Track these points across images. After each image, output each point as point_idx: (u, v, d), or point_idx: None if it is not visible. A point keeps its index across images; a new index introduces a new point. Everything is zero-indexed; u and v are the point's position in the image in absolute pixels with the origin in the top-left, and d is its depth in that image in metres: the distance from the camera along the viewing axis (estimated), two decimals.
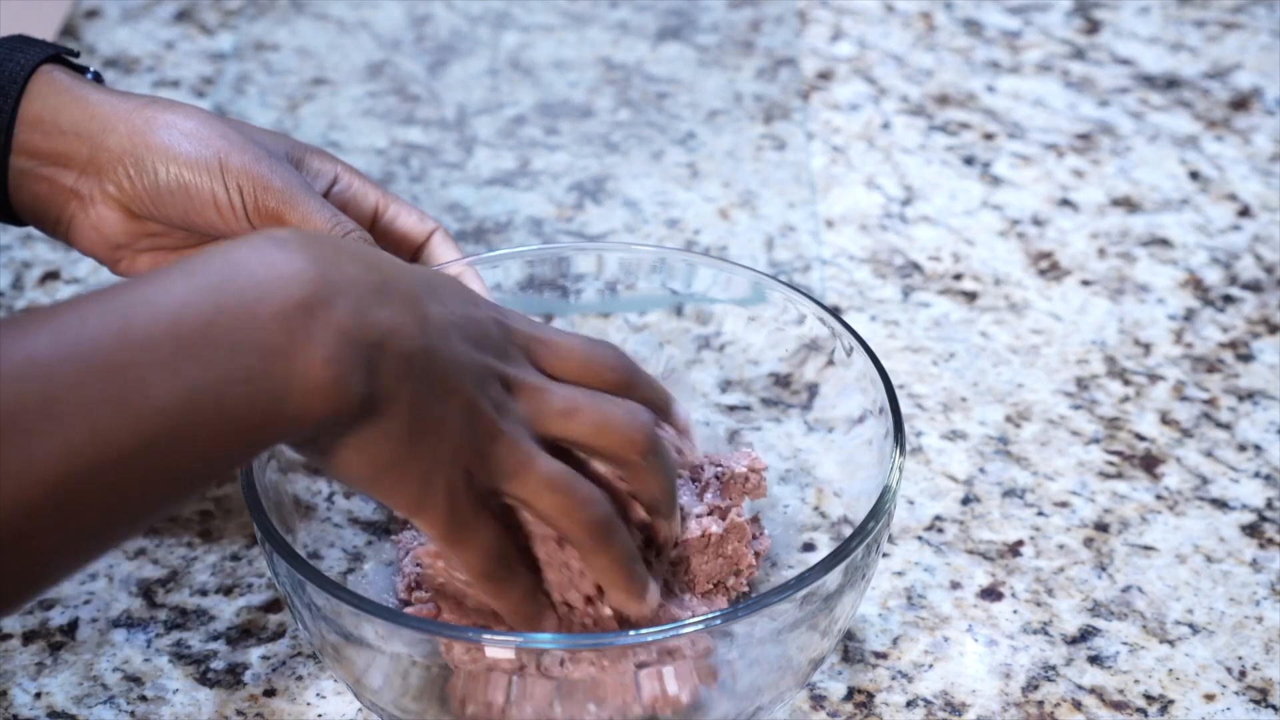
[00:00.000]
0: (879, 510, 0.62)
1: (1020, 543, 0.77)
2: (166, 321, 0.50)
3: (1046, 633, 0.73)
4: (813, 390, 0.76)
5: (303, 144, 0.73)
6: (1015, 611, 0.74)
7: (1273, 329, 0.89)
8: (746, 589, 0.69)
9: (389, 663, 0.60)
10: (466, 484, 0.57)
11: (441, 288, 0.58)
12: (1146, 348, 0.88)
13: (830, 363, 0.73)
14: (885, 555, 0.76)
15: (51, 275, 0.93)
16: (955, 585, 0.75)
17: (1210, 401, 0.85)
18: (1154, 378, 0.86)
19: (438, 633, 0.59)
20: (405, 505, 0.57)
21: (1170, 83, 1.09)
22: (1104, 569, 0.76)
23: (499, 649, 0.58)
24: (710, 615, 0.59)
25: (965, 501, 0.79)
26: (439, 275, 0.60)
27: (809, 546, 0.74)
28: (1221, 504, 0.79)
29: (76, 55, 0.73)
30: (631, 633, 0.60)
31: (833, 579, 0.61)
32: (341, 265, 0.54)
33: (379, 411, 0.54)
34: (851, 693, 0.70)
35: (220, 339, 0.50)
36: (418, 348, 0.55)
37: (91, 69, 0.73)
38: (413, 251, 0.74)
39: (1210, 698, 0.70)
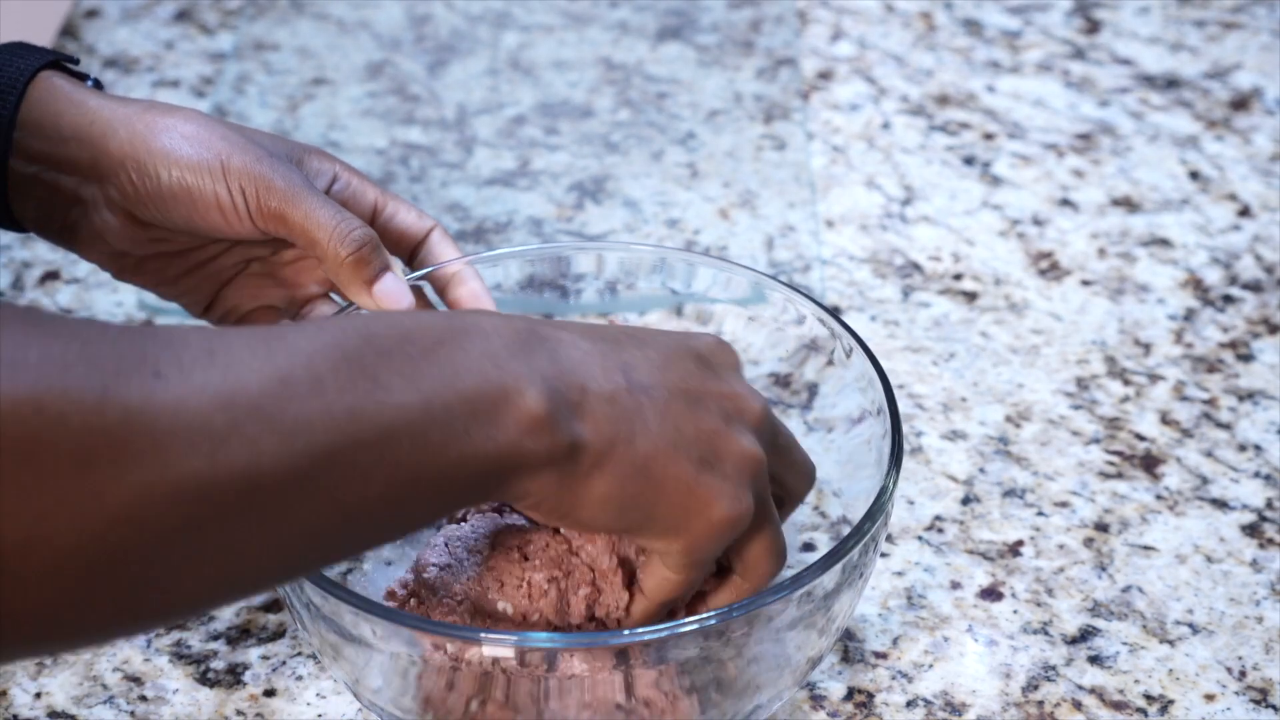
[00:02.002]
0: (875, 511, 0.62)
1: (1020, 543, 0.77)
2: (398, 335, 0.53)
3: (1046, 633, 0.73)
4: (812, 390, 0.76)
5: (301, 144, 0.73)
6: (1015, 611, 0.74)
7: (1273, 329, 0.89)
8: None
9: (388, 662, 0.60)
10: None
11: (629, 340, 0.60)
12: (1146, 348, 0.88)
13: (830, 363, 0.73)
14: (885, 555, 0.76)
15: (51, 275, 0.93)
16: (955, 585, 0.75)
17: (1210, 401, 0.85)
18: (1154, 378, 0.86)
19: (436, 632, 0.59)
20: (659, 531, 0.59)
21: (1170, 83, 1.09)
22: (1104, 569, 0.76)
23: (497, 648, 0.58)
24: (709, 615, 0.59)
25: (965, 501, 0.79)
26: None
27: (808, 546, 0.74)
28: (1221, 504, 0.79)
29: (76, 62, 0.73)
30: (627, 632, 0.60)
31: (829, 579, 0.61)
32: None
33: (598, 454, 0.56)
34: (851, 693, 0.70)
35: (446, 359, 0.53)
36: (619, 386, 0.57)
37: (91, 76, 0.73)
38: (411, 249, 0.74)
39: (1210, 698, 0.70)
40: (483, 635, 0.59)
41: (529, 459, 0.54)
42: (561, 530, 0.64)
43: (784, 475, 0.63)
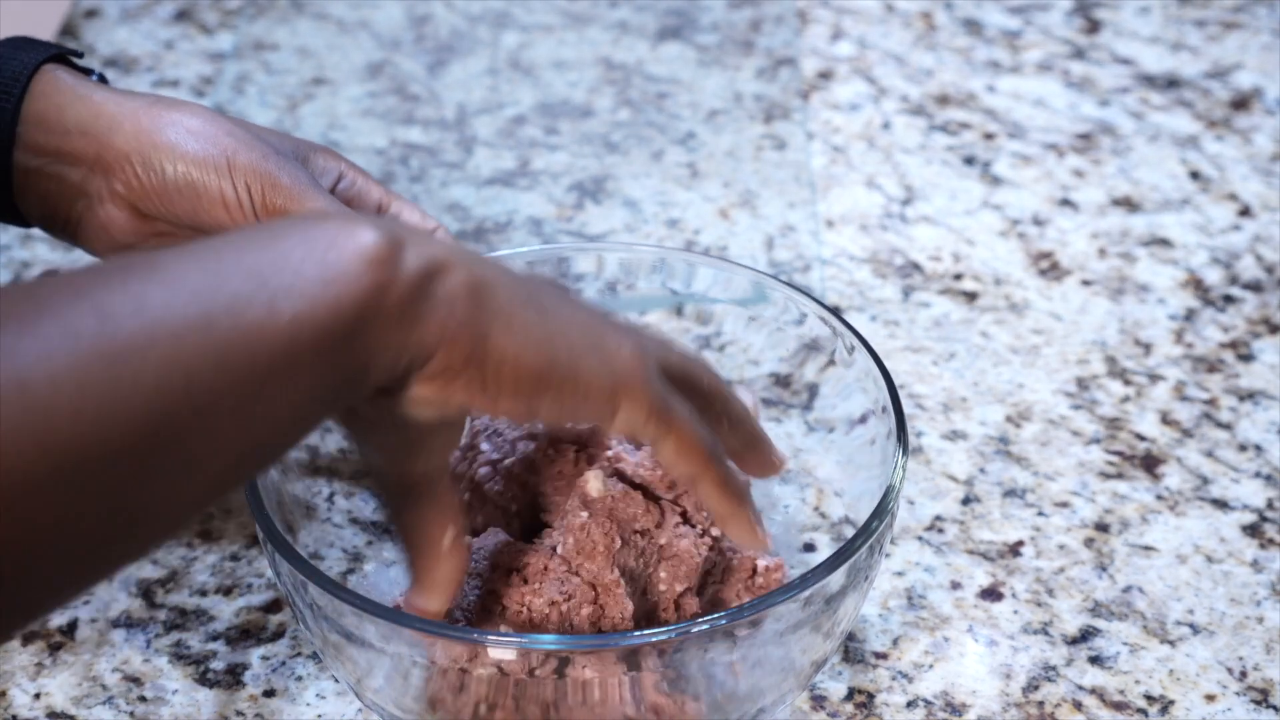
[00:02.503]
0: (883, 509, 0.62)
1: (1020, 543, 0.77)
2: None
3: (1047, 633, 0.73)
4: (813, 390, 0.76)
5: (307, 142, 0.73)
6: (1015, 612, 0.74)
7: (1273, 329, 0.89)
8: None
9: (390, 663, 0.60)
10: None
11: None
12: (1147, 348, 0.88)
13: (831, 362, 0.73)
14: (886, 556, 0.76)
15: (51, 275, 0.93)
16: (955, 585, 0.75)
17: (1211, 401, 0.85)
18: (1154, 378, 0.86)
19: (439, 633, 0.59)
20: (600, 385, 0.54)
21: (1170, 83, 1.09)
22: (1104, 569, 0.76)
23: (501, 650, 0.58)
24: (713, 616, 0.59)
25: (965, 501, 0.79)
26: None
27: (809, 547, 0.74)
28: (1222, 504, 0.79)
29: (80, 56, 0.73)
30: (635, 634, 0.60)
31: (836, 580, 0.61)
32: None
33: (472, 275, 0.51)
34: (852, 693, 0.70)
35: (266, 240, 0.49)
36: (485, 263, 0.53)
37: (96, 70, 0.73)
38: None
39: (1211, 698, 0.70)
40: (488, 638, 0.59)
41: (383, 296, 0.49)
42: (559, 550, 0.63)
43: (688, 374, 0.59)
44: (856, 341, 0.70)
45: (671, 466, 0.58)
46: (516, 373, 0.53)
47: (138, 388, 0.44)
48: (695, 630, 0.58)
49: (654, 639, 0.58)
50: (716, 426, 0.60)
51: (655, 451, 0.57)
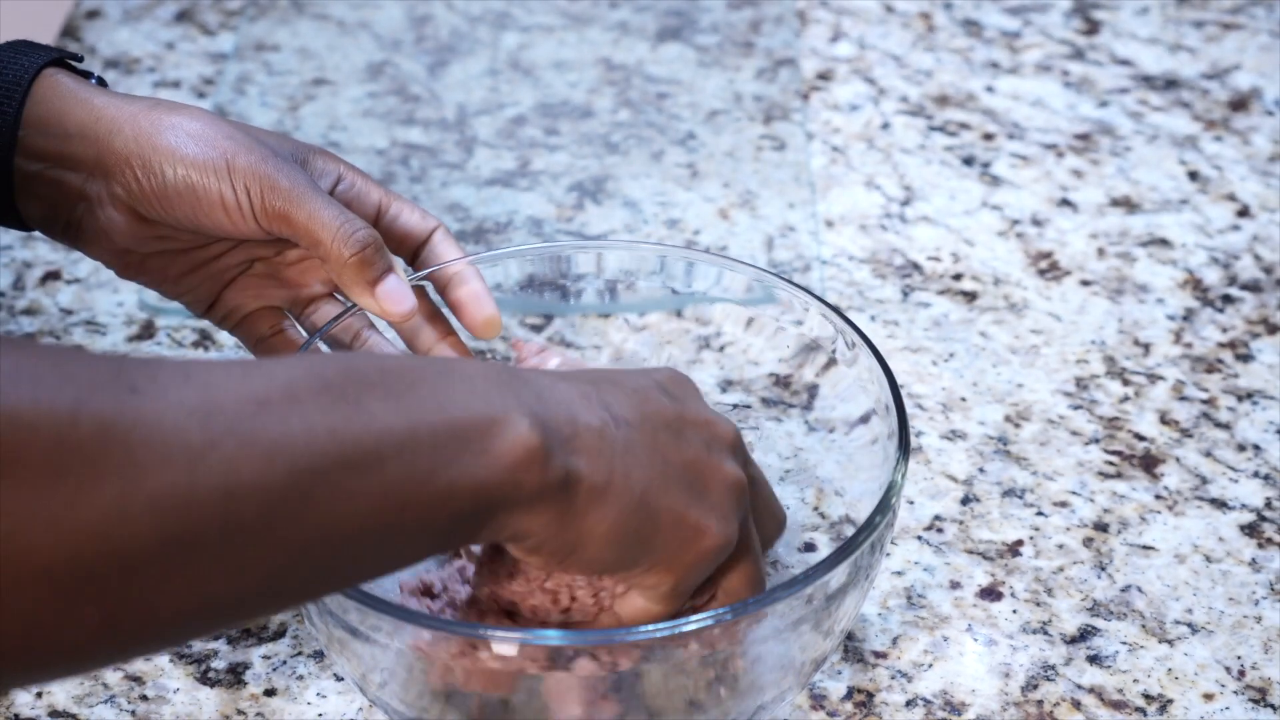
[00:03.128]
0: (885, 505, 0.63)
1: (1020, 542, 0.77)
2: (379, 369, 0.53)
3: (1046, 632, 0.73)
4: (813, 390, 0.76)
5: (306, 144, 0.73)
6: (1015, 611, 0.74)
7: (1272, 329, 0.89)
8: None
9: (394, 658, 0.61)
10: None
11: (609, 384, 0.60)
12: (1146, 348, 0.88)
13: (832, 362, 0.73)
14: (886, 555, 0.76)
15: (53, 275, 0.93)
16: (955, 585, 0.75)
17: (1209, 401, 0.85)
18: (1153, 378, 0.86)
19: (443, 629, 0.59)
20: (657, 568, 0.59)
21: (1169, 83, 1.09)
22: (1103, 569, 0.76)
23: (504, 645, 0.58)
24: (714, 613, 0.59)
25: (965, 501, 0.79)
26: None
27: (809, 547, 0.74)
28: (1221, 504, 0.79)
29: (80, 59, 0.73)
30: (633, 630, 0.60)
31: (837, 576, 0.61)
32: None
33: (596, 487, 0.56)
34: (851, 692, 0.70)
35: (429, 390, 0.53)
36: (606, 420, 0.57)
37: (95, 74, 0.73)
38: (415, 249, 0.74)
39: (1209, 697, 0.70)
40: (489, 633, 0.59)
41: (523, 491, 0.53)
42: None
43: (757, 510, 0.63)
44: (858, 339, 0.70)
45: (733, 597, 0.63)
46: (590, 566, 0.58)
47: (312, 513, 0.49)
48: (695, 627, 0.58)
49: (654, 636, 0.59)
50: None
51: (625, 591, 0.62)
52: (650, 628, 0.59)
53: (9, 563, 0.43)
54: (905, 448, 0.65)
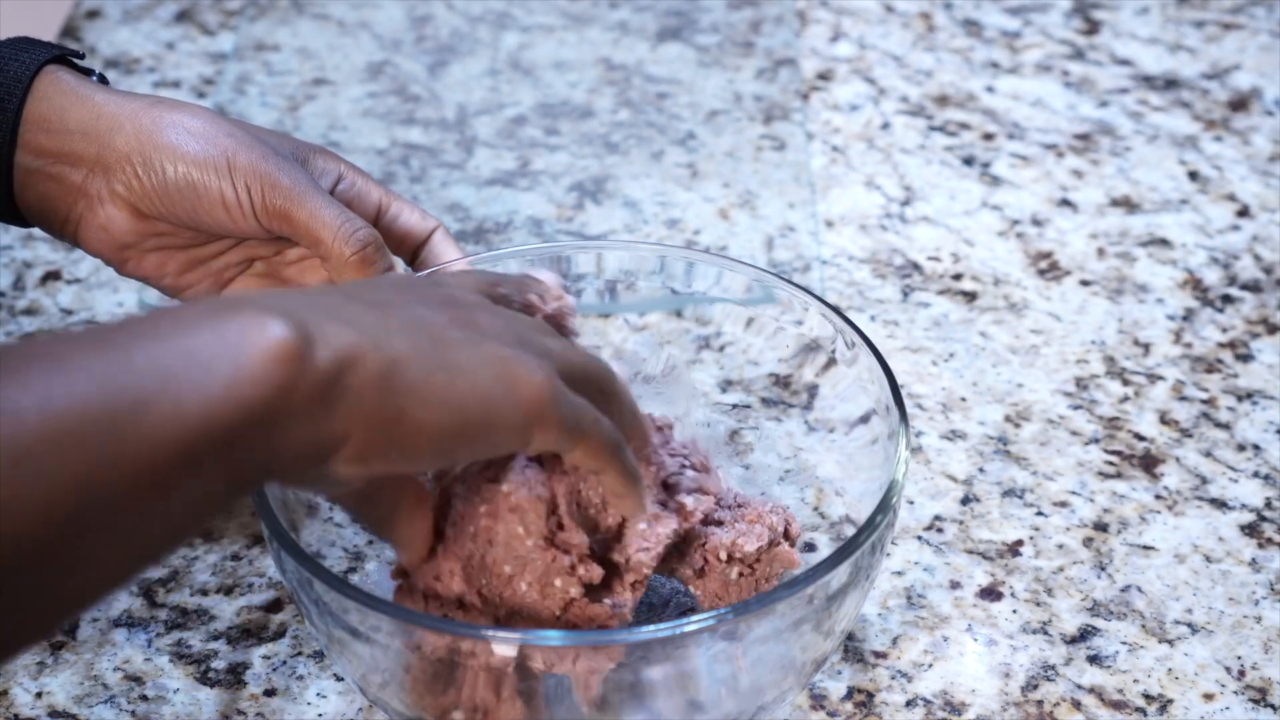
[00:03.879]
0: (886, 504, 0.63)
1: (1020, 542, 0.77)
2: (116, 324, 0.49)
3: (1046, 632, 0.73)
4: (813, 390, 0.76)
5: (307, 143, 0.73)
6: (1015, 611, 0.74)
7: (1272, 329, 0.90)
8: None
9: (394, 658, 0.61)
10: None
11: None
12: (1146, 348, 0.88)
13: (831, 362, 0.73)
14: (886, 555, 0.76)
15: (53, 275, 0.93)
16: (955, 585, 0.75)
17: (1209, 401, 0.85)
18: (1153, 378, 0.86)
19: (442, 629, 0.59)
20: (519, 417, 0.54)
21: (1169, 83, 1.09)
22: (1103, 569, 0.76)
23: (504, 646, 0.58)
24: (715, 613, 0.59)
25: (965, 501, 0.79)
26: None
27: (809, 547, 0.74)
28: (1221, 504, 0.79)
29: (82, 57, 0.73)
30: (633, 630, 0.60)
31: (838, 576, 0.61)
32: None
33: (382, 360, 0.51)
34: (851, 692, 0.70)
35: (165, 330, 0.48)
36: (360, 300, 0.53)
37: (97, 71, 0.73)
38: (414, 249, 0.74)
39: (1209, 697, 0.70)
40: (489, 634, 0.59)
41: (299, 392, 0.48)
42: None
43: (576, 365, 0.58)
44: (858, 339, 0.70)
45: (580, 465, 0.59)
46: (433, 440, 0.53)
47: (39, 486, 0.44)
48: (694, 627, 0.58)
49: (656, 635, 0.59)
50: (614, 419, 0.60)
51: (565, 457, 0.58)
52: (650, 628, 0.59)
53: None
54: (906, 445, 0.65)
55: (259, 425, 0.48)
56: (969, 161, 1.02)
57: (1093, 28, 1.15)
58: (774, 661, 0.62)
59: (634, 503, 0.62)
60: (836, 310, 0.72)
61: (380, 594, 0.69)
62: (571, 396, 0.56)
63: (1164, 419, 0.84)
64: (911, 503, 0.79)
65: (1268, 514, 0.79)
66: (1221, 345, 0.89)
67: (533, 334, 0.57)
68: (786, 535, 0.68)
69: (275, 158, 0.70)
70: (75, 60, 0.73)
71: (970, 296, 0.92)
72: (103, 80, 0.73)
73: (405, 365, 0.52)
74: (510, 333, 0.56)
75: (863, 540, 0.61)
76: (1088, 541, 0.77)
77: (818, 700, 0.70)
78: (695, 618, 0.59)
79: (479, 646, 0.58)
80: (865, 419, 0.71)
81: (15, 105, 0.69)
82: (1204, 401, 0.85)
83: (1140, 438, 0.83)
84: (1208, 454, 0.82)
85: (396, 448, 0.52)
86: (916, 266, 0.94)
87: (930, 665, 0.72)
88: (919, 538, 0.77)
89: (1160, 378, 0.86)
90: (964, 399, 0.85)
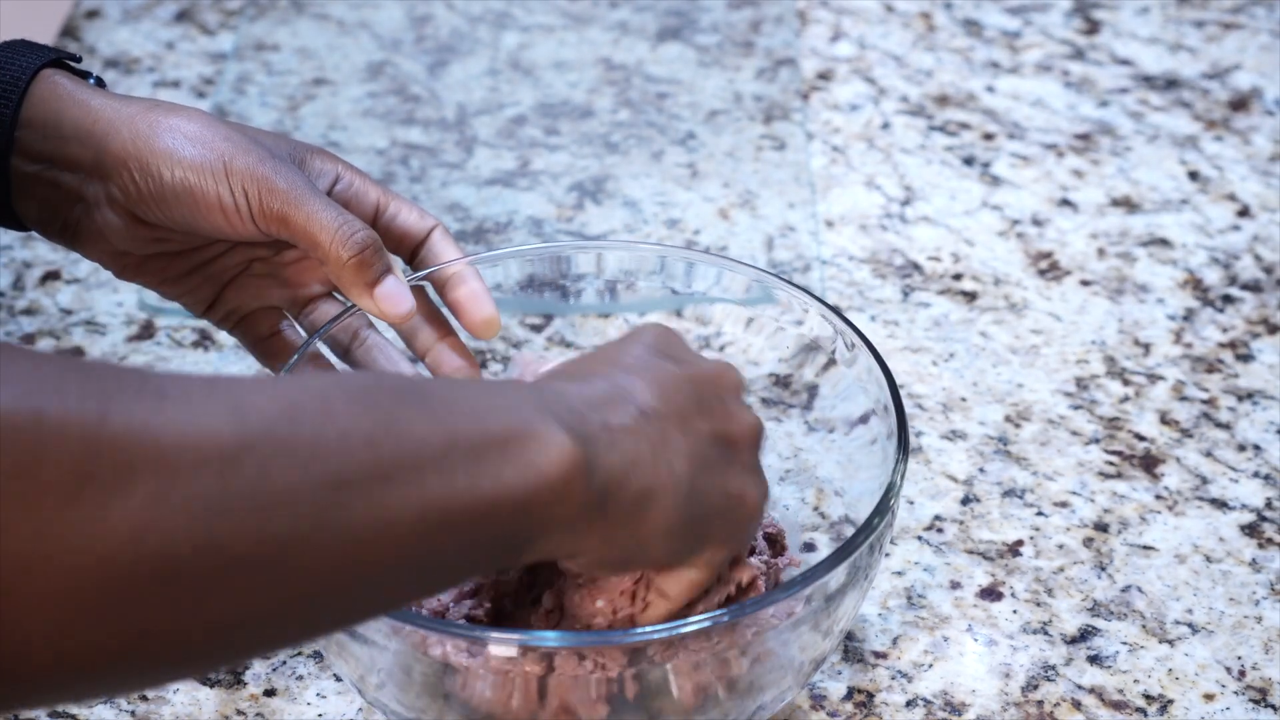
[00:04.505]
0: (884, 506, 0.62)
1: (1020, 543, 0.77)
2: (409, 382, 0.54)
3: (1046, 632, 0.73)
4: (813, 390, 0.76)
5: (304, 144, 0.73)
6: (1015, 611, 0.74)
7: (1272, 329, 0.89)
8: None
9: (392, 659, 0.60)
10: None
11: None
12: (1146, 348, 0.88)
13: (831, 362, 0.73)
14: (886, 555, 0.76)
15: (52, 275, 0.93)
16: (955, 585, 0.75)
17: (1210, 401, 0.85)
18: (1153, 378, 0.86)
19: (442, 630, 0.59)
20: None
21: (1170, 83, 1.09)
22: (1104, 569, 0.76)
23: (503, 647, 0.58)
24: (712, 614, 0.59)
25: (965, 501, 0.79)
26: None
27: (809, 546, 0.74)
28: (1221, 504, 0.79)
29: (79, 60, 0.73)
30: (635, 631, 0.60)
31: (836, 577, 0.61)
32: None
33: (643, 487, 0.55)
34: (851, 692, 0.70)
35: (463, 401, 0.52)
36: (634, 415, 0.56)
37: (94, 75, 0.73)
38: (413, 248, 0.74)
39: (1210, 697, 0.70)
40: (489, 635, 0.59)
41: (568, 506, 0.52)
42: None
43: None
44: (857, 339, 0.70)
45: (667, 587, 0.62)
46: (661, 560, 0.59)
47: (346, 522, 0.47)
48: (692, 629, 0.58)
49: (653, 637, 0.59)
50: None
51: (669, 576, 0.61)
52: (649, 629, 0.59)
53: (36, 571, 0.41)
54: (904, 449, 0.65)
55: (528, 522, 0.52)
56: (969, 161, 1.02)
57: (1093, 28, 1.15)
58: (773, 661, 0.62)
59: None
60: (836, 311, 0.72)
61: None
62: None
63: (1164, 419, 0.84)
64: (911, 503, 0.79)
65: (1268, 514, 0.79)
66: (1222, 345, 0.88)
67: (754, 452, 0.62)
68: (776, 546, 0.69)
69: (272, 160, 0.69)
70: (72, 63, 0.73)
71: (970, 296, 0.92)
72: (100, 83, 0.73)
73: (659, 499, 0.56)
74: (749, 455, 0.60)
75: (860, 543, 0.61)
76: (1088, 542, 0.77)
77: (818, 700, 0.70)
78: (694, 619, 0.59)
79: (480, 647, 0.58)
80: (865, 419, 0.71)
81: (12, 109, 0.69)
82: (1204, 402, 0.85)
83: (1140, 438, 0.83)
84: (1208, 454, 0.82)
85: (627, 562, 0.58)
86: (916, 266, 0.94)
87: (930, 665, 0.71)
88: (919, 538, 0.77)
89: (1160, 378, 0.86)
90: (964, 399, 0.85)
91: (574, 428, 0.53)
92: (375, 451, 0.47)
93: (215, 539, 0.44)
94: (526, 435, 0.51)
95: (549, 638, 0.59)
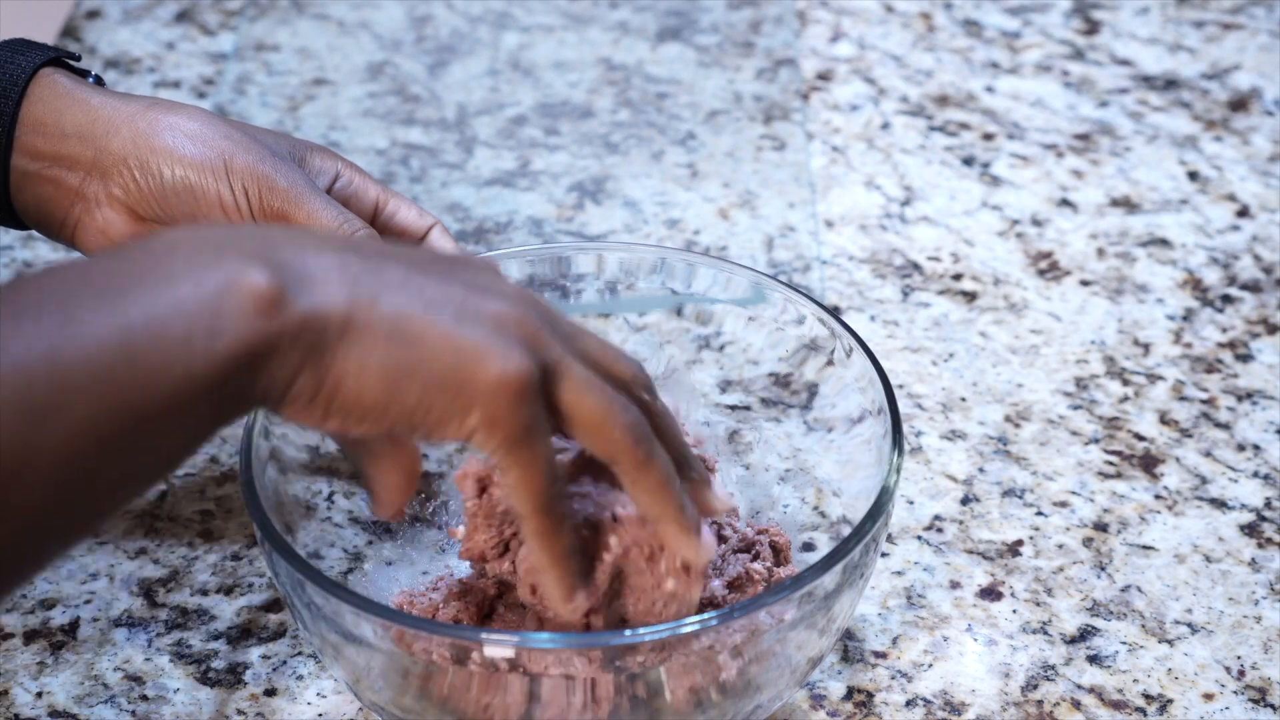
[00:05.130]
0: (877, 511, 0.63)
1: (1020, 542, 0.77)
2: (104, 264, 0.52)
3: (1046, 632, 0.73)
4: (812, 390, 0.76)
5: (304, 142, 0.73)
6: (1015, 611, 0.74)
7: (1271, 329, 0.89)
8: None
9: (388, 662, 0.60)
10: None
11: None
12: (1146, 348, 0.88)
13: (830, 362, 0.73)
14: (885, 555, 0.76)
15: None
16: (955, 585, 0.75)
17: (1209, 401, 0.85)
18: (1153, 378, 0.86)
19: (436, 631, 0.59)
20: (450, 410, 0.54)
21: (1169, 83, 1.09)
22: (1103, 569, 0.76)
23: (497, 648, 0.58)
24: (709, 615, 0.59)
25: (965, 501, 0.79)
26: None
27: (808, 546, 0.74)
28: (1220, 504, 0.79)
29: (78, 59, 0.73)
30: (628, 632, 0.60)
31: (830, 579, 0.61)
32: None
33: (342, 318, 0.52)
34: (851, 692, 0.70)
35: (154, 272, 0.51)
36: (351, 253, 0.54)
37: (93, 73, 0.73)
38: None
39: (1209, 697, 0.70)
40: (483, 636, 0.59)
41: (265, 342, 0.51)
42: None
43: (576, 351, 0.57)
44: (854, 342, 0.70)
45: (508, 497, 0.58)
46: (360, 408, 0.54)
47: (50, 441, 0.48)
48: (690, 629, 0.58)
49: (649, 638, 0.59)
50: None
51: (500, 478, 0.58)
52: (644, 630, 0.59)
53: None
54: (899, 451, 0.65)
55: (238, 370, 0.51)
56: (969, 161, 1.02)
57: (1093, 28, 1.15)
58: (770, 661, 0.62)
59: (689, 548, 0.60)
60: (833, 314, 0.72)
61: (377, 596, 0.69)
62: (538, 411, 0.55)
63: (1164, 419, 0.84)
64: (911, 503, 0.79)
65: (1267, 514, 0.79)
66: (1221, 345, 0.89)
67: (545, 326, 0.56)
68: (780, 556, 0.69)
69: (272, 159, 0.69)
70: (71, 62, 0.73)
71: (970, 296, 0.92)
72: (99, 82, 0.73)
73: (365, 329, 0.53)
74: (513, 316, 0.55)
75: (852, 546, 0.61)
76: (1088, 541, 0.77)
77: (817, 700, 0.70)
78: (690, 620, 0.59)
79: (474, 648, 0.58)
80: (862, 419, 0.71)
81: (11, 108, 0.69)
82: (1204, 401, 0.85)
83: (1140, 438, 0.83)
84: (1208, 454, 0.82)
85: (326, 405, 0.53)
86: (916, 266, 0.94)
87: (930, 665, 0.72)
88: (919, 538, 0.77)
89: (1160, 378, 0.86)
90: (964, 399, 0.85)
91: (266, 257, 0.52)
92: (54, 365, 0.48)
93: None
94: (217, 287, 0.50)
95: (543, 639, 0.59)
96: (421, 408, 0.54)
